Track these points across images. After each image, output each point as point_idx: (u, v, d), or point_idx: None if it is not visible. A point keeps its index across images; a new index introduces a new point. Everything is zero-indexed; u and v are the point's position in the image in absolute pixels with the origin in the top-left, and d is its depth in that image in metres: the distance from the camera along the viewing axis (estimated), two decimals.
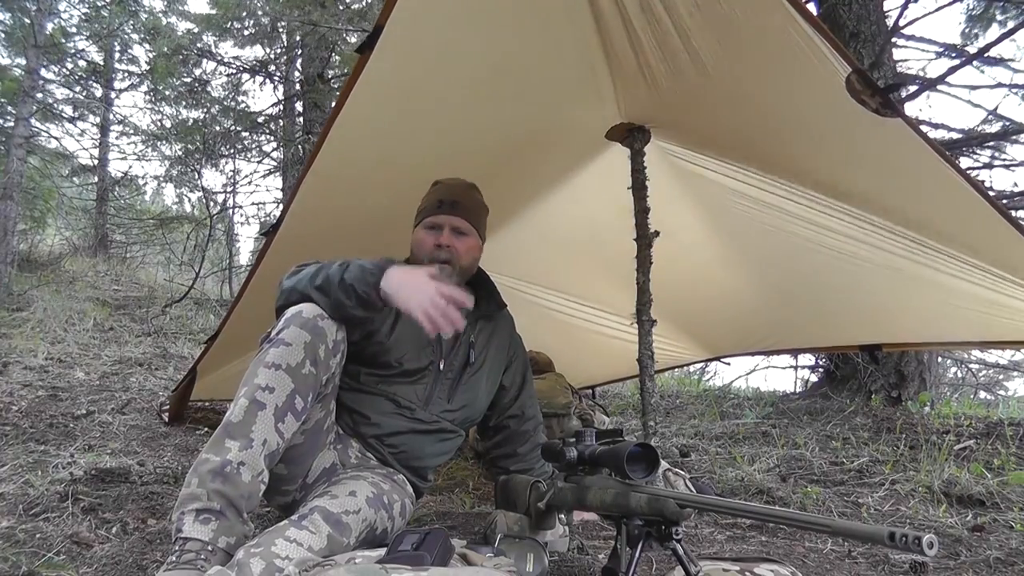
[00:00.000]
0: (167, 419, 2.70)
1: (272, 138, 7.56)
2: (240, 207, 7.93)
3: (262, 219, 7.90)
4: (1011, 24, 4.42)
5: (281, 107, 7.53)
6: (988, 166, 4.29)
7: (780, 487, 2.11)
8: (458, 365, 1.58)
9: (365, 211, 2.18)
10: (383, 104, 1.78)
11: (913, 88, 4.09)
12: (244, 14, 6.43)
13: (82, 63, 7.65)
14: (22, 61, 6.47)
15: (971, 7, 4.58)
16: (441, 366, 1.56)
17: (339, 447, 1.45)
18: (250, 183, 8.06)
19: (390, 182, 2.08)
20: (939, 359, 4.59)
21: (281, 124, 7.48)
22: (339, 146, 1.79)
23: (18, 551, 1.30)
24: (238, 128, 7.17)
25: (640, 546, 0.99)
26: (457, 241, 1.56)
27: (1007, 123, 4.39)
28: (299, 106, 7.51)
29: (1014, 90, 4.44)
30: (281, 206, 7.11)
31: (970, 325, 2.38)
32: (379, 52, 1.50)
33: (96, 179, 8.43)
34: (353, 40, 6.03)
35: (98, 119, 8.28)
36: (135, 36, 7.90)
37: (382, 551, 1.07)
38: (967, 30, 4.67)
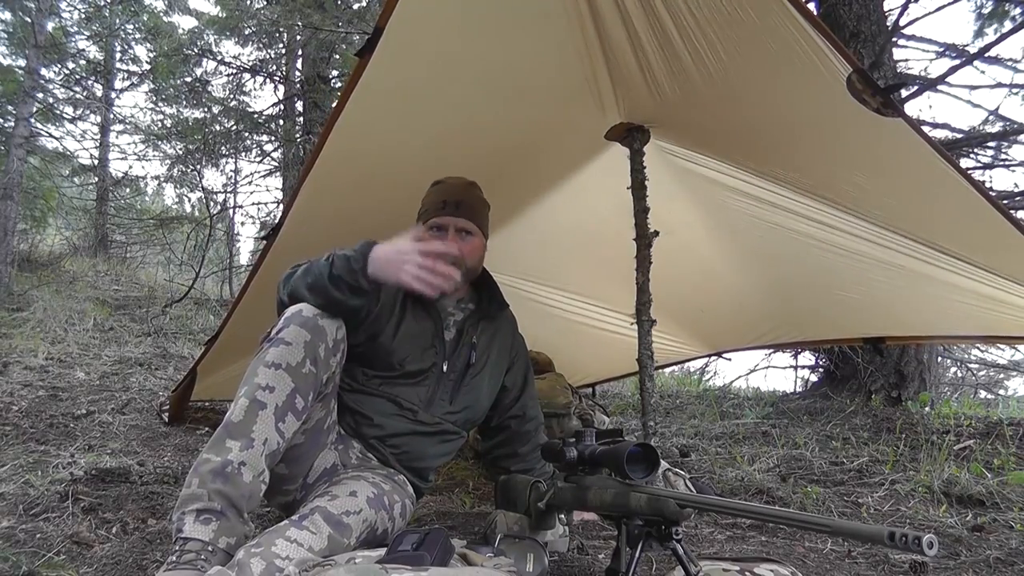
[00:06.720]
0: (167, 419, 2.70)
1: (273, 138, 7.56)
2: (240, 207, 7.93)
3: (262, 219, 7.91)
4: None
5: (281, 107, 7.53)
6: (988, 166, 4.29)
7: (780, 487, 2.11)
8: (460, 366, 1.58)
9: (364, 214, 2.18)
10: (383, 106, 1.78)
11: (913, 88, 4.09)
12: (243, 15, 6.43)
13: (83, 63, 7.64)
14: (22, 62, 6.47)
15: (980, 4, 4.54)
16: (444, 368, 1.55)
17: (340, 447, 1.45)
18: (250, 183, 8.07)
19: (390, 185, 2.07)
20: (939, 359, 4.59)
21: (282, 124, 7.48)
22: (339, 149, 1.79)
23: (18, 551, 1.30)
24: (239, 128, 7.17)
25: (640, 546, 0.99)
26: (463, 243, 1.57)
27: (1007, 123, 4.38)
28: (299, 106, 7.50)
29: (1015, 90, 4.44)
30: (281, 206, 7.12)
31: (972, 320, 2.39)
32: (379, 54, 1.50)
33: (96, 179, 8.42)
34: (355, 39, 6.02)
35: (99, 119, 8.28)
36: (136, 35, 7.90)
37: (382, 551, 1.07)
38: (979, 28, 4.62)
